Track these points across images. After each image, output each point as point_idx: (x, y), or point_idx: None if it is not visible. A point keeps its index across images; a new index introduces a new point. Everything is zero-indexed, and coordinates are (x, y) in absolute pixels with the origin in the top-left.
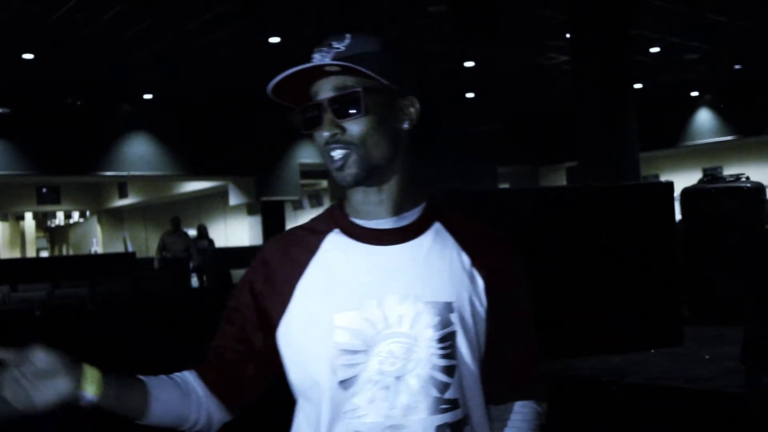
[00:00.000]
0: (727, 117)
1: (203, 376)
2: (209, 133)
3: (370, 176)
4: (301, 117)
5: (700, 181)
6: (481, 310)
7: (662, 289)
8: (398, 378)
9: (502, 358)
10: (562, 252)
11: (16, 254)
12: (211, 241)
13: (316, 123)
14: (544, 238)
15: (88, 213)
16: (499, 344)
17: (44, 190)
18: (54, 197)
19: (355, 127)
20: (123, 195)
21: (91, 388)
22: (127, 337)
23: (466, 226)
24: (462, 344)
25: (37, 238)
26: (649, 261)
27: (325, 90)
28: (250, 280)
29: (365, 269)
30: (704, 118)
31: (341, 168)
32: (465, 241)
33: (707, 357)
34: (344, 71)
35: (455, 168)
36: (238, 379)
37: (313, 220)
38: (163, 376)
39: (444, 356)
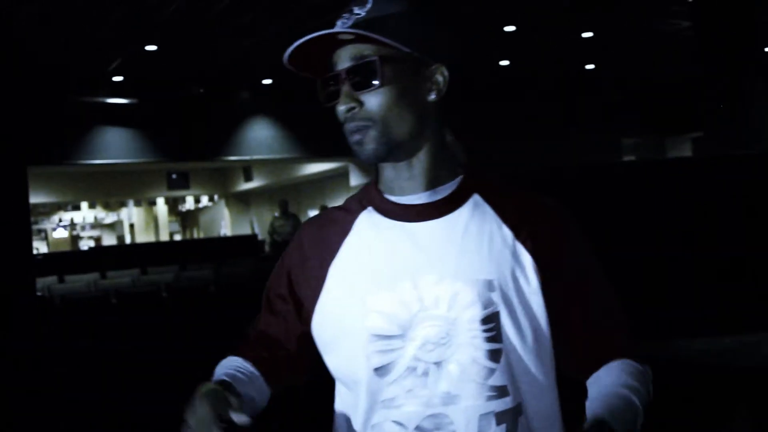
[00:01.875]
0: None
1: (258, 367)
2: (327, 115)
3: (392, 152)
4: (321, 89)
5: None
6: (528, 287)
7: None
8: (437, 364)
9: (579, 330)
10: (670, 226)
11: (151, 237)
12: None
13: (334, 96)
14: (652, 212)
15: (216, 197)
16: (569, 317)
17: (174, 176)
18: (183, 183)
19: (373, 100)
20: (248, 179)
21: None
22: (244, 317)
23: (508, 198)
24: (508, 325)
25: (170, 222)
26: (765, 235)
27: (343, 60)
28: (288, 266)
29: (398, 248)
30: None
31: (359, 143)
32: (506, 214)
33: None
34: (361, 39)
35: (578, 142)
36: (288, 368)
37: (348, 199)
38: (238, 375)
39: (487, 339)
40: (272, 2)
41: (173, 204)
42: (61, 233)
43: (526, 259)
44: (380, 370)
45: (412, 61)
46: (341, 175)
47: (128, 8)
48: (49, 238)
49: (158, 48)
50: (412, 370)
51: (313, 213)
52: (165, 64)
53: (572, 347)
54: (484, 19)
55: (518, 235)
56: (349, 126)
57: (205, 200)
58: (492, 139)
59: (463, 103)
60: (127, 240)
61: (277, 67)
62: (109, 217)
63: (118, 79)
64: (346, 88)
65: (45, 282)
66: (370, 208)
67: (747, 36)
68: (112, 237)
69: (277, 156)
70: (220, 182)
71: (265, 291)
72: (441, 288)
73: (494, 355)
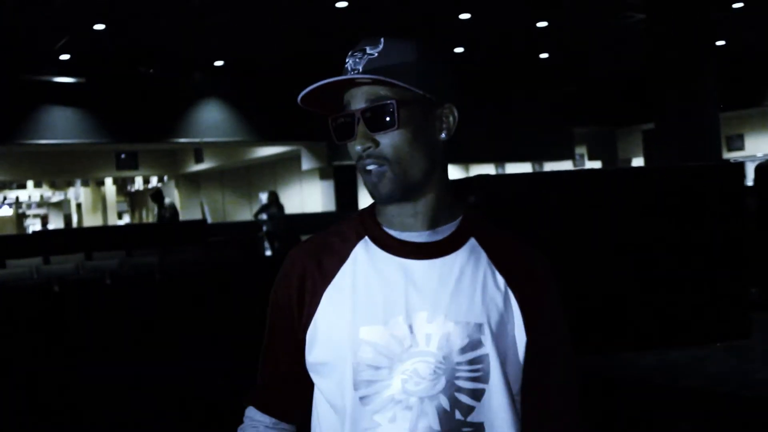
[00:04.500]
0: None
1: (276, 414)
2: (280, 98)
3: (406, 193)
4: (333, 126)
5: None
6: (515, 333)
7: (728, 276)
8: (422, 399)
9: (542, 395)
10: (618, 237)
11: (98, 218)
12: (281, 207)
13: (348, 134)
14: (600, 223)
15: (165, 178)
16: (538, 380)
17: (123, 156)
18: (132, 163)
19: (388, 141)
20: (199, 160)
21: None
22: (189, 307)
23: (502, 244)
24: (494, 368)
25: (118, 202)
26: (714, 246)
27: (358, 100)
28: (286, 295)
29: (395, 283)
30: None
31: (376, 185)
32: (500, 260)
33: None
34: (377, 81)
35: (531, 131)
36: (303, 402)
37: (342, 224)
38: None
39: (472, 379)
40: None
41: (122, 184)
42: (6, 211)
43: (515, 308)
44: (365, 399)
45: (425, 102)
46: (293, 159)
47: None
48: None
49: (106, 27)
50: (396, 402)
51: (263, 196)
52: (113, 44)
53: (530, 409)
54: (439, 5)
55: (509, 282)
56: (366, 163)
57: (154, 181)
58: None
59: None
60: (75, 219)
61: (229, 48)
62: (56, 197)
63: (65, 57)
64: (361, 128)
65: None
66: (367, 239)
67: (700, 30)
68: (59, 216)
69: (229, 139)
70: (170, 163)
71: (267, 321)
72: (433, 326)
73: (477, 395)
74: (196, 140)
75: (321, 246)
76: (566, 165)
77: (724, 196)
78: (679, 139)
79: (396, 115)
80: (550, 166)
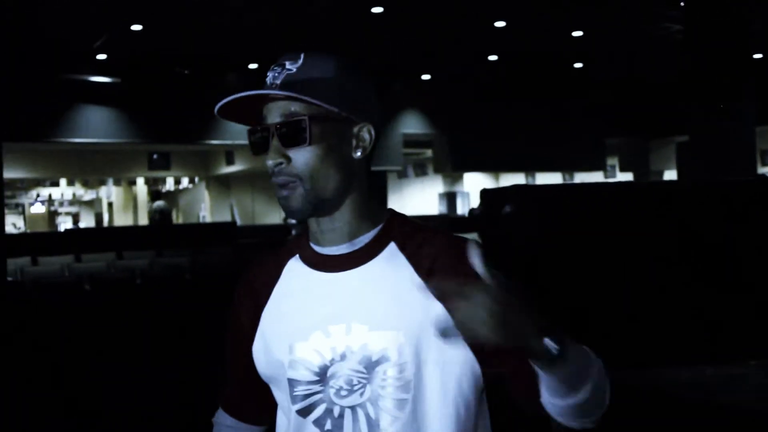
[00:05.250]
0: None
1: (243, 417)
2: None
3: (317, 209)
4: (250, 139)
5: None
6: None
7: (764, 293)
8: (351, 409)
9: (512, 358)
10: (652, 251)
11: (129, 217)
12: None
13: (264, 148)
14: (634, 235)
15: (196, 179)
16: (498, 352)
17: (155, 156)
18: (164, 163)
19: (300, 157)
20: (230, 162)
21: None
22: (219, 309)
23: (423, 242)
24: (416, 376)
25: (149, 202)
26: (749, 262)
27: (273, 114)
28: (238, 309)
29: (315, 298)
30: None
31: (286, 200)
32: (419, 260)
33: None
34: (292, 96)
35: (562, 141)
36: (265, 405)
37: (287, 242)
38: None
39: (395, 388)
40: None
41: (153, 184)
42: (39, 208)
43: (437, 308)
44: (302, 411)
45: (340, 120)
46: None
47: None
48: (27, 213)
49: (143, 27)
50: (329, 412)
51: None
52: (150, 44)
53: (513, 377)
54: (474, 13)
55: (428, 280)
56: (277, 180)
57: (185, 182)
58: (478, 134)
59: (450, 99)
60: (105, 218)
61: (263, 51)
62: (88, 195)
63: (101, 57)
64: (275, 142)
65: (18, 263)
66: (297, 257)
67: (737, 42)
68: (90, 214)
69: None
70: (202, 164)
71: (226, 331)
72: (351, 338)
73: (400, 405)
74: (228, 142)
75: (262, 267)
76: (597, 176)
77: (760, 211)
78: (713, 153)
79: (308, 131)
80: (581, 177)
